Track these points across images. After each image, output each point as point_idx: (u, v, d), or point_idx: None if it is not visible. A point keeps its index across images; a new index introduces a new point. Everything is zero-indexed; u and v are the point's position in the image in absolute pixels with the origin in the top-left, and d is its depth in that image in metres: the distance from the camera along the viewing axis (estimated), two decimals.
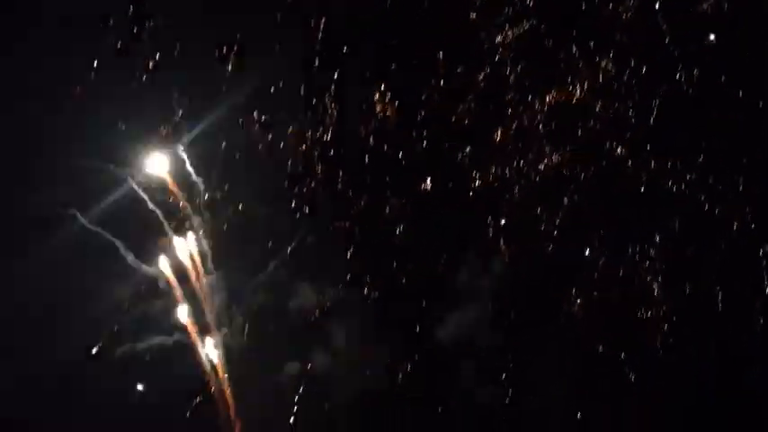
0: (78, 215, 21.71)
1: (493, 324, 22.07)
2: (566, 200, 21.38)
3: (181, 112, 22.44)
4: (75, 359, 22.24)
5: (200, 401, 22.09)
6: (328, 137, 22.81)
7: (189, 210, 22.08)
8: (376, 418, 22.16)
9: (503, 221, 21.85)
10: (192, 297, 22.12)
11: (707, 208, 20.40)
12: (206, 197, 22.26)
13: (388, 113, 22.37)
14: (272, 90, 22.76)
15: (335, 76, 22.61)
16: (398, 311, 22.34)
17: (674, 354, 21.52)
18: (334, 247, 22.67)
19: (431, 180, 22.30)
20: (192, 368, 21.98)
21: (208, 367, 21.94)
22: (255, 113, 22.88)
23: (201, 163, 22.48)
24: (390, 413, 22.11)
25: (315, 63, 22.62)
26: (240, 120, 22.94)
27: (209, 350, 21.86)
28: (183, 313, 21.49)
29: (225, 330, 22.14)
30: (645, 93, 19.90)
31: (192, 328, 21.53)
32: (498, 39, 20.39)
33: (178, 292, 21.48)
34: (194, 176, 22.18)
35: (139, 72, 22.68)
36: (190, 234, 22.10)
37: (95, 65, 22.68)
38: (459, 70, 21.30)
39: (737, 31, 19.14)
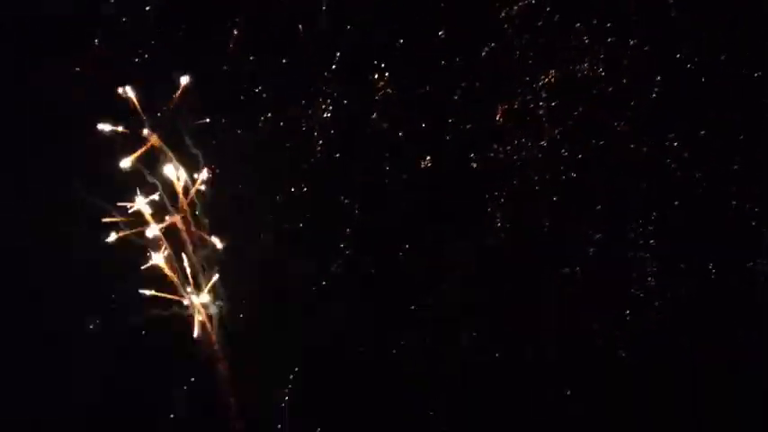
0: (80, 187, 21.50)
1: (488, 297, 22.20)
2: (564, 177, 21.79)
3: (182, 88, 22.41)
4: (73, 333, 22.02)
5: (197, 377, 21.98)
6: (329, 115, 23.02)
7: (189, 183, 21.95)
8: (371, 389, 22.22)
9: (502, 198, 22.17)
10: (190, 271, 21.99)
11: (704, 185, 20.90)
12: (207, 172, 22.10)
13: (389, 91, 22.67)
14: (274, 68, 22.96)
15: (337, 56, 22.92)
16: (395, 285, 22.41)
17: (666, 332, 21.92)
18: (333, 222, 22.73)
19: (431, 158, 22.57)
20: (190, 342, 21.76)
21: (204, 340, 21.80)
22: (258, 90, 23.07)
23: (204, 138, 22.35)
24: (385, 384, 22.17)
25: (318, 41, 22.98)
26: (242, 96, 23.09)
27: (205, 321, 21.75)
28: (158, 258, 21.26)
29: (220, 303, 22.01)
30: (646, 70, 20.38)
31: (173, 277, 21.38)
32: (502, 14, 20.78)
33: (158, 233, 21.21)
34: (195, 150, 22.05)
35: (143, 47, 22.89)
36: (188, 208, 21.97)
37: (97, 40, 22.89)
38: (461, 47, 21.70)
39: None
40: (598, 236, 21.59)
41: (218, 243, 22.02)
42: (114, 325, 22.10)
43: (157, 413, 22.26)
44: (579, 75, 20.76)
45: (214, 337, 22.06)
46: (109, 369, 22.04)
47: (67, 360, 22.02)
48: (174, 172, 21.70)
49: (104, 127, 21.15)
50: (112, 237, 21.17)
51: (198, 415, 22.23)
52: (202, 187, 22.03)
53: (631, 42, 20.25)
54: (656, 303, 21.68)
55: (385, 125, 22.78)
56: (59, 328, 21.99)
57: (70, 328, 22.11)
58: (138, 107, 21.17)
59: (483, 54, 21.56)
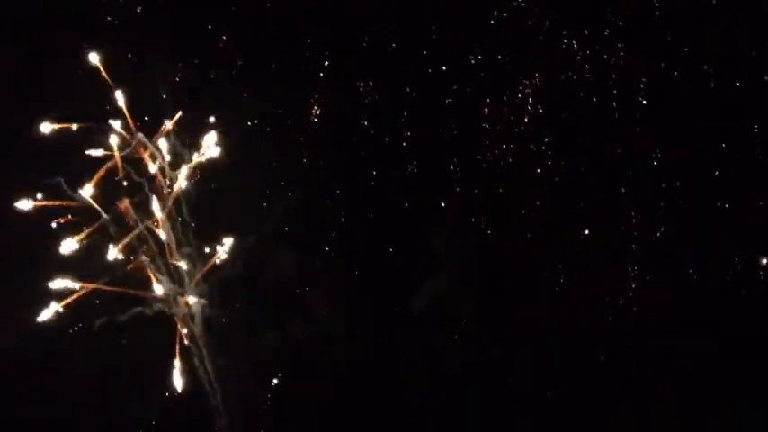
0: (63, 183, 21.36)
1: (474, 296, 22.24)
2: (551, 181, 22.11)
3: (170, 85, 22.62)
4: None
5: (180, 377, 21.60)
6: (315, 118, 23.26)
7: (173, 180, 21.91)
8: (355, 389, 22.00)
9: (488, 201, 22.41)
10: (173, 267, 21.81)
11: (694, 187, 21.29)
12: (191, 167, 22.06)
13: (377, 97, 23.01)
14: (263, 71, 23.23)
15: (326, 61, 23.27)
16: (380, 283, 22.41)
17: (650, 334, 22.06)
18: (317, 220, 22.74)
19: (417, 162, 22.82)
20: (171, 340, 21.45)
21: (186, 338, 21.53)
22: (245, 93, 23.27)
23: (188, 135, 22.37)
24: (369, 384, 21.98)
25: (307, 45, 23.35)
26: (229, 98, 23.24)
27: (187, 320, 21.54)
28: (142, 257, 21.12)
29: (204, 301, 21.81)
30: (633, 74, 20.89)
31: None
32: (492, 21, 21.28)
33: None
34: (180, 148, 22.08)
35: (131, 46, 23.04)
36: (172, 203, 21.88)
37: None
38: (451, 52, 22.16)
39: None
40: (585, 235, 21.79)
41: (202, 243, 22.01)
42: (96, 324, 21.76)
43: (139, 414, 21.87)
44: (567, 79, 21.26)
45: (198, 336, 21.82)
46: (90, 369, 21.74)
47: (46, 361, 21.68)
48: (159, 170, 21.75)
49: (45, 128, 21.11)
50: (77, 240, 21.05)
51: (181, 415, 21.83)
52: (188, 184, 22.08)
53: (619, 46, 20.82)
54: (646, 303, 21.81)
55: (372, 130, 23.04)
56: (39, 327, 21.57)
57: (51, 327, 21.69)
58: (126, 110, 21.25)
59: (472, 59, 21.99)
